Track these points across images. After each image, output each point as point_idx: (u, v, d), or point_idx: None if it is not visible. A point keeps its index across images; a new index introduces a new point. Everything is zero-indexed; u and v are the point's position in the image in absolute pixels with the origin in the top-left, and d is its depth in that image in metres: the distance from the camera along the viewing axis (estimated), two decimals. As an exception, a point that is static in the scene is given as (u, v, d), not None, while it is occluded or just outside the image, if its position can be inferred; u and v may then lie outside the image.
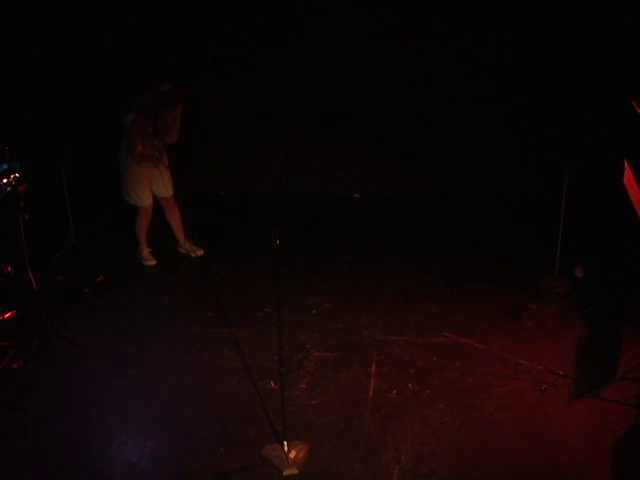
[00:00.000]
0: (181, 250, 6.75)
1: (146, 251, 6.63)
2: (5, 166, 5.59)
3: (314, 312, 5.87)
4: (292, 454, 4.31)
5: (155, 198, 6.47)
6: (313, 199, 7.84)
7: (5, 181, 5.52)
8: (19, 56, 7.37)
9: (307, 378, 5.06)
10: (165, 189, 6.44)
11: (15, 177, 5.59)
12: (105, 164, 7.75)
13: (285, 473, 4.23)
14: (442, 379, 5.02)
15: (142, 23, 7.35)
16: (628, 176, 5.35)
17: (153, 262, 6.62)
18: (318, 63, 7.36)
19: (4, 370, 5.10)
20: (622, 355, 5.13)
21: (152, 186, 6.39)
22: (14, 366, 5.17)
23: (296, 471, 4.24)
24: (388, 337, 5.50)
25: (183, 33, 7.39)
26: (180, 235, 6.74)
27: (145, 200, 6.39)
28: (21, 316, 5.63)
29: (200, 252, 6.73)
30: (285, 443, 4.32)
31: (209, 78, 7.57)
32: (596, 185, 6.88)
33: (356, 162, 7.76)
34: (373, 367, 5.16)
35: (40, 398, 4.88)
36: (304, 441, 4.43)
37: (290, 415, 4.40)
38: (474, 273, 6.36)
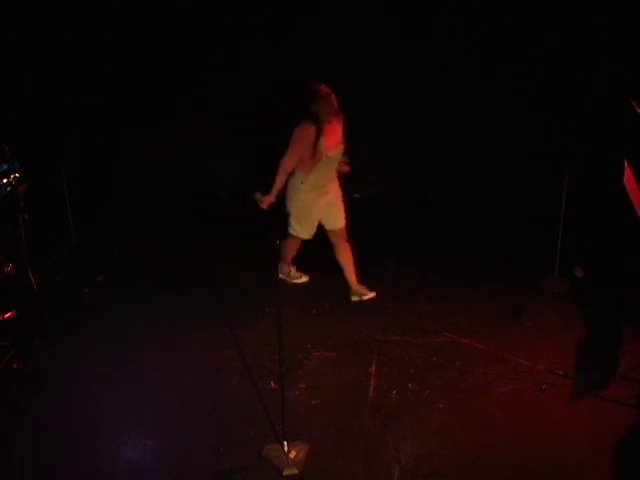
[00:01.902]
0: (353, 298, 5.93)
1: (293, 269, 6.18)
2: (5, 166, 5.60)
3: (314, 312, 5.87)
4: (292, 454, 4.31)
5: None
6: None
7: (5, 181, 5.53)
8: (19, 56, 7.37)
9: (307, 378, 5.06)
10: (335, 220, 5.81)
11: (15, 177, 5.60)
12: (105, 164, 7.81)
13: (285, 473, 4.23)
14: (442, 379, 5.02)
15: (141, 22, 7.35)
16: (628, 176, 5.35)
17: (305, 278, 6.23)
18: (317, 62, 7.34)
19: (4, 370, 5.10)
20: (622, 355, 5.13)
21: (321, 217, 5.78)
22: (14, 366, 5.17)
23: (296, 471, 4.24)
24: (388, 337, 5.50)
25: (183, 31, 7.39)
26: (352, 277, 5.92)
27: (308, 233, 5.77)
28: (21, 316, 5.64)
29: (371, 294, 5.93)
30: (285, 443, 4.32)
31: (208, 77, 7.58)
32: (596, 185, 6.88)
33: (356, 162, 7.74)
34: (373, 367, 5.16)
35: (40, 398, 4.88)
36: (304, 441, 4.43)
37: (290, 415, 4.40)
38: (474, 273, 6.36)
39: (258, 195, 5.40)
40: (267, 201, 5.42)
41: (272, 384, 4.97)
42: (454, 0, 7.07)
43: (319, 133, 5.36)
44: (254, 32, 7.37)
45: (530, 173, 7.36)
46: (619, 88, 6.55)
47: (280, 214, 5.62)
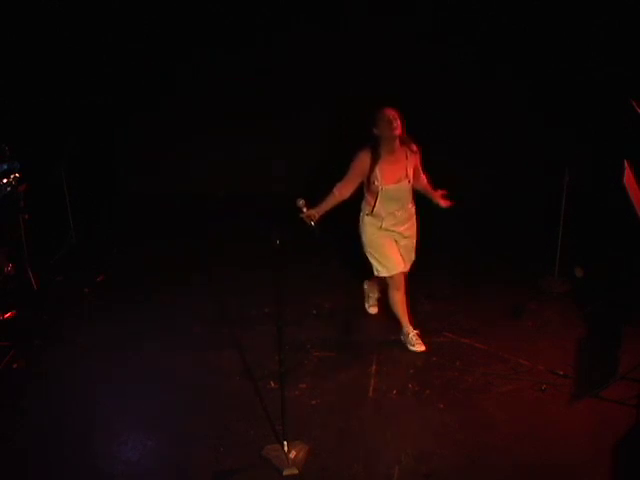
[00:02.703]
0: (406, 342, 5.32)
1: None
2: (5, 166, 5.60)
3: (314, 312, 5.87)
4: (292, 454, 4.30)
5: None
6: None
7: (5, 181, 5.53)
8: (19, 56, 7.37)
9: (307, 378, 5.06)
10: (406, 260, 5.23)
11: (15, 177, 5.60)
12: (105, 164, 7.81)
13: (285, 473, 4.23)
14: (442, 379, 5.02)
15: (141, 23, 7.36)
16: (628, 176, 5.35)
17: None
18: (318, 61, 7.36)
19: (4, 370, 5.10)
20: (622, 355, 5.13)
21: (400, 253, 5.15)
22: (14, 366, 5.17)
23: (296, 471, 4.24)
24: (388, 337, 5.49)
25: (184, 31, 7.39)
26: (404, 319, 5.30)
27: (392, 267, 5.10)
28: (21, 316, 5.64)
29: (421, 347, 5.28)
30: (285, 443, 4.32)
31: (208, 77, 7.58)
32: (596, 185, 6.88)
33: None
34: (373, 367, 5.15)
35: (40, 398, 4.88)
36: (304, 441, 4.43)
37: (290, 415, 4.40)
38: (474, 273, 6.36)
39: (302, 202, 4.69)
40: (309, 214, 4.72)
41: (272, 384, 4.97)
42: (454, 0, 7.07)
43: (375, 162, 4.88)
44: (254, 32, 7.37)
45: (530, 173, 7.36)
46: (619, 88, 6.55)
47: (280, 216, 5.58)
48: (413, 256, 5.33)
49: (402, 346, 5.36)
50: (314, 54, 7.33)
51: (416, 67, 7.27)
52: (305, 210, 4.69)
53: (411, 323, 5.34)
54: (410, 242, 5.25)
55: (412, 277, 6.29)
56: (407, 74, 7.30)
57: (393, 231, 5.12)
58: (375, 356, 5.26)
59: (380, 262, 5.13)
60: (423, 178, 5.21)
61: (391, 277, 5.16)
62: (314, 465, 4.29)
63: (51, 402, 4.84)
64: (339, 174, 7.87)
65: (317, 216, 4.77)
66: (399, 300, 5.25)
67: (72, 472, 4.29)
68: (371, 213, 5.04)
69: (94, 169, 7.63)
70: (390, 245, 5.12)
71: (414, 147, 5.01)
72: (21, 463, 4.34)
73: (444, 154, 7.58)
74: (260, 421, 4.63)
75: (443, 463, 4.28)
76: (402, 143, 4.92)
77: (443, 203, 5.20)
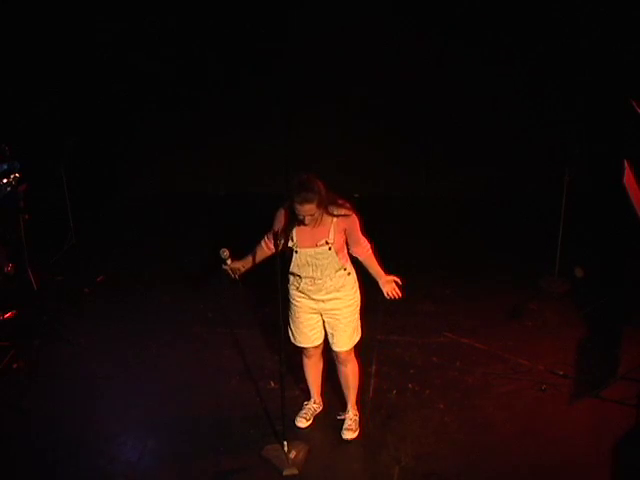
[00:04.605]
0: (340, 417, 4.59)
1: (310, 407, 4.69)
2: (5, 166, 5.59)
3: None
4: (292, 454, 4.30)
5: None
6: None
7: (5, 181, 5.52)
8: (19, 56, 7.37)
9: (307, 378, 5.06)
10: (333, 340, 4.38)
11: (15, 177, 5.59)
12: (105, 164, 7.81)
13: (285, 473, 4.23)
14: (442, 379, 5.02)
15: (142, 22, 7.36)
16: (628, 176, 5.34)
17: (302, 424, 4.60)
18: (318, 62, 7.35)
19: (4, 370, 5.10)
20: (622, 355, 5.14)
21: (318, 327, 4.39)
22: (14, 366, 5.17)
23: (296, 471, 4.24)
24: (388, 337, 5.49)
25: (183, 32, 7.40)
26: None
27: (299, 339, 4.43)
28: (21, 316, 5.63)
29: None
30: (285, 443, 4.32)
31: (208, 77, 7.58)
32: (596, 185, 6.88)
33: (356, 162, 7.75)
34: (373, 367, 5.15)
35: (40, 398, 4.88)
36: (304, 441, 4.43)
37: (290, 415, 4.40)
38: (474, 273, 6.36)
39: (226, 253, 4.18)
40: (233, 267, 4.24)
41: (272, 384, 4.97)
42: (455, 1, 7.08)
43: (293, 221, 4.17)
44: (254, 33, 7.37)
45: (530, 173, 7.36)
46: (619, 88, 6.55)
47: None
48: (347, 339, 4.37)
49: (402, 346, 5.36)
50: (314, 53, 7.33)
51: (416, 66, 7.27)
52: (229, 262, 4.15)
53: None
54: (338, 321, 4.32)
55: (412, 277, 6.31)
56: (407, 73, 7.31)
57: (314, 299, 4.29)
58: (375, 356, 5.26)
59: (291, 327, 4.44)
60: (363, 247, 4.30)
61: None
62: (314, 465, 4.29)
63: (51, 402, 4.84)
64: (340, 175, 7.88)
65: (242, 270, 4.21)
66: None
67: (72, 472, 4.29)
68: (291, 272, 4.29)
69: (94, 169, 7.62)
70: (305, 315, 4.36)
71: (344, 210, 4.22)
72: (21, 463, 4.34)
73: (444, 154, 7.61)
74: (260, 421, 4.64)
75: (443, 463, 4.29)
76: (327, 209, 4.14)
77: (388, 291, 4.23)
